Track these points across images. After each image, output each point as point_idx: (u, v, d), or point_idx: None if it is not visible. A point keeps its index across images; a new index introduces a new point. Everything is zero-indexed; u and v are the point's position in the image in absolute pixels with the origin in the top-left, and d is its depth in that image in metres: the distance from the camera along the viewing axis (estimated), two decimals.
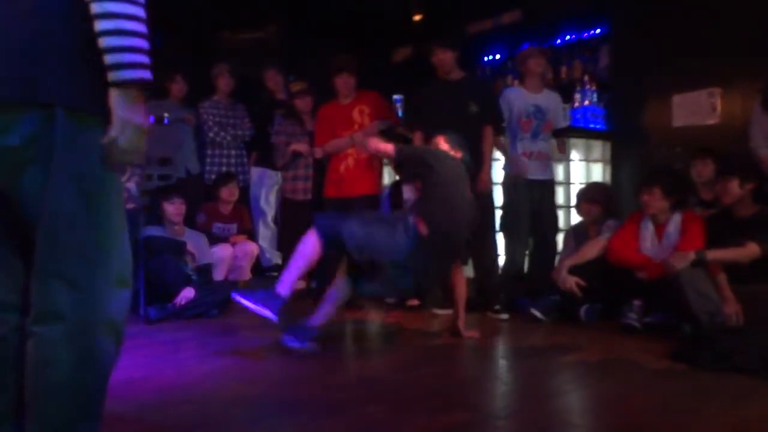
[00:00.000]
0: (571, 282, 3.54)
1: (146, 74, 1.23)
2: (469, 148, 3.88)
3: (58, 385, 1.22)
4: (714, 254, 3.11)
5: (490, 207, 4.05)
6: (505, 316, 3.77)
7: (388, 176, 4.78)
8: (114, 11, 1.19)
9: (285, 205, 4.80)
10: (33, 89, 1.20)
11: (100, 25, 1.19)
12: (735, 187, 3.20)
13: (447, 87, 4.01)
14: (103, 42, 1.20)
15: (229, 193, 4.61)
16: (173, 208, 4.11)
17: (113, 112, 1.23)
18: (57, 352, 1.21)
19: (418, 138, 4.06)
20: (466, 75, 4.18)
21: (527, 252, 4.19)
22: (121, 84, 1.22)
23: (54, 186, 1.20)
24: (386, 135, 4.36)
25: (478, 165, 3.88)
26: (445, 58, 3.96)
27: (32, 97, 1.19)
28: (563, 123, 4.44)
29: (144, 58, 1.23)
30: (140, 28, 1.22)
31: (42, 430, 1.23)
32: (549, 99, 4.22)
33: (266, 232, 5.09)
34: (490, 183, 3.96)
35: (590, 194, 3.98)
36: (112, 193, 1.29)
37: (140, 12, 1.22)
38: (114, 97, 1.23)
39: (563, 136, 4.46)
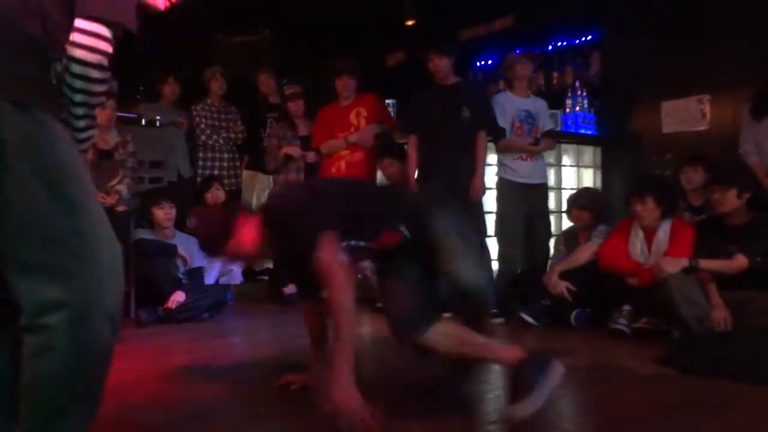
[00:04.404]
0: (562, 287, 3.56)
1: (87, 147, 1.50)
2: (463, 153, 3.91)
3: (58, 373, 1.22)
4: (705, 264, 3.13)
5: (480, 212, 4.06)
6: (500, 320, 3.78)
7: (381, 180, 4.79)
8: (90, 102, 1.39)
9: None
10: None
11: (77, 110, 1.39)
12: (733, 197, 3.20)
13: (441, 92, 4.03)
14: (76, 123, 1.40)
15: (213, 197, 4.59)
16: (162, 213, 4.10)
17: None
18: (58, 340, 1.21)
19: (413, 142, 4.08)
20: (461, 80, 4.20)
21: (521, 257, 4.20)
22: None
23: (15, 180, 1.18)
24: (382, 138, 4.37)
25: (472, 170, 3.90)
26: (440, 63, 3.96)
27: None
28: (550, 125, 4.46)
29: (94, 134, 1.49)
30: (94, 120, 1.46)
31: (40, 417, 1.23)
32: (536, 104, 4.25)
33: None
34: (482, 189, 3.97)
35: (581, 201, 4.00)
36: (80, 181, 1.28)
37: (100, 102, 1.45)
38: None
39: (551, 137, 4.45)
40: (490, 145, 4.12)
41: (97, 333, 1.26)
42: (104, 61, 1.36)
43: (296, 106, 4.69)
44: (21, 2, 1.26)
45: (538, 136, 4.17)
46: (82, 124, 1.41)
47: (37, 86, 1.26)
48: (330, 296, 1.85)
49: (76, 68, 1.34)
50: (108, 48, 1.36)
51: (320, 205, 2.06)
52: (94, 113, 1.44)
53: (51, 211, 1.21)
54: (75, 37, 1.33)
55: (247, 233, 2.12)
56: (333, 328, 1.87)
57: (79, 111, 1.39)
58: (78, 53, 1.33)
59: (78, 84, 1.36)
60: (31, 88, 1.24)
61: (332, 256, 1.88)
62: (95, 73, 1.36)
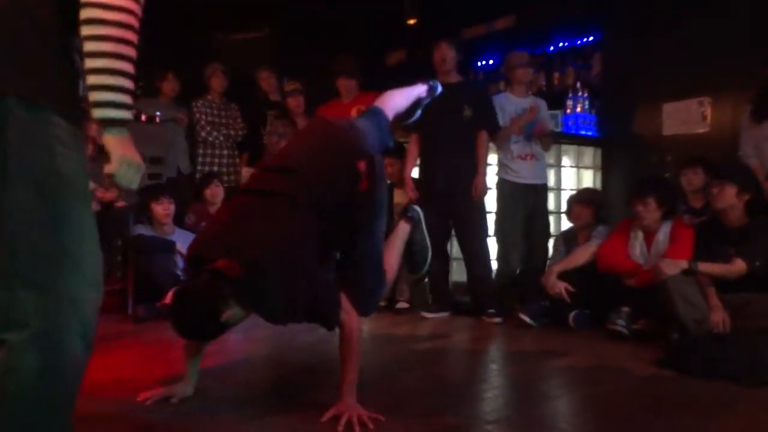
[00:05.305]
0: (561, 288, 3.56)
1: (127, 115, 1.26)
2: (464, 152, 3.90)
3: (22, 393, 1.16)
4: (704, 267, 3.13)
5: (482, 212, 4.06)
6: (499, 320, 3.78)
7: None
8: (106, 50, 1.19)
9: None
10: None
11: (91, 63, 1.20)
12: (731, 194, 3.19)
13: (443, 89, 4.01)
14: (93, 78, 1.20)
15: (212, 194, 4.58)
16: (161, 209, 4.09)
17: (109, 151, 1.26)
18: (22, 359, 1.15)
19: (414, 141, 4.07)
20: (463, 79, 4.21)
21: (520, 257, 4.20)
22: (103, 121, 1.24)
23: (11, 184, 1.13)
24: None
25: (473, 170, 3.90)
26: (448, 53, 3.96)
27: None
28: (550, 124, 4.47)
29: (128, 99, 1.25)
30: (129, 67, 1.23)
31: None
32: (535, 103, 4.25)
33: None
34: (484, 188, 3.97)
35: (583, 196, 4.03)
36: (75, 192, 1.22)
37: (132, 51, 1.22)
38: (107, 136, 1.25)
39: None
40: (491, 145, 4.12)
41: (65, 352, 1.19)
42: (123, 3, 1.19)
43: (296, 102, 4.69)
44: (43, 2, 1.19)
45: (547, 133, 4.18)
46: (101, 96, 1.20)
47: (47, 81, 1.19)
48: (350, 341, 2.05)
49: (84, 12, 1.18)
50: None
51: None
52: (117, 83, 1.21)
53: (37, 220, 1.15)
54: None
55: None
56: (348, 361, 2.05)
57: (95, 80, 1.19)
58: None
59: (88, 12, 1.17)
60: (40, 83, 1.18)
61: (354, 316, 2.07)
62: (107, 14, 1.18)
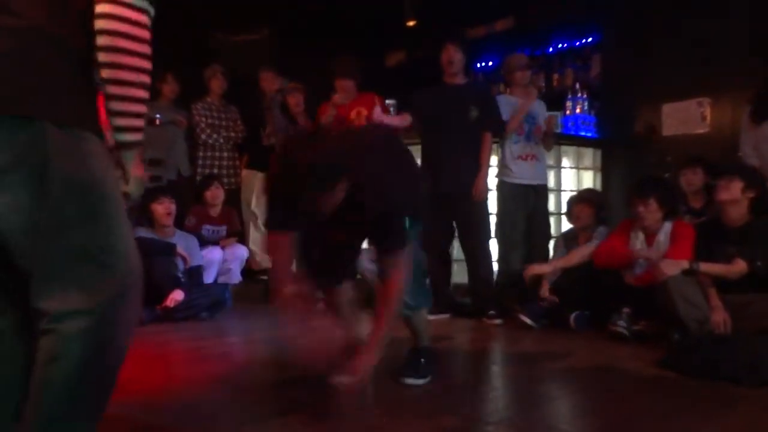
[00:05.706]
0: (544, 289, 3.58)
1: (139, 137, 1.37)
2: (468, 153, 3.90)
3: (66, 381, 1.22)
4: (705, 267, 3.13)
5: (485, 214, 4.05)
6: (499, 321, 3.78)
7: None
8: (127, 79, 1.28)
9: None
10: (18, 104, 1.18)
11: (110, 89, 1.29)
12: (738, 188, 3.18)
13: (450, 90, 4.02)
14: (111, 105, 1.30)
15: (213, 196, 4.58)
16: (162, 208, 4.08)
17: (126, 171, 1.39)
18: (67, 348, 1.22)
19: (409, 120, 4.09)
20: (469, 80, 4.22)
21: (521, 258, 4.20)
22: (119, 144, 1.35)
23: (52, 195, 1.20)
24: None
25: (476, 171, 3.90)
26: (456, 57, 3.96)
27: (19, 111, 1.18)
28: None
29: (140, 122, 1.35)
30: (145, 93, 1.33)
31: (42, 421, 1.22)
32: (535, 104, 4.26)
33: (257, 236, 5.07)
34: (485, 190, 3.97)
35: (583, 194, 4.04)
36: (110, 198, 1.30)
37: (147, 78, 1.31)
38: (124, 157, 1.37)
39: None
40: (493, 146, 4.12)
41: (112, 343, 1.29)
42: (136, 32, 1.26)
43: (295, 100, 4.70)
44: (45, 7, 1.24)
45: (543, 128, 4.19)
46: (118, 122, 1.31)
47: (76, 103, 1.26)
48: (389, 297, 2.14)
49: (100, 39, 1.26)
50: (136, 16, 1.26)
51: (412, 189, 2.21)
52: (133, 110, 1.32)
53: (85, 228, 1.24)
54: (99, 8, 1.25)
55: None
56: (382, 317, 2.17)
57: (113, 106, 1.29)
58: (101, 24, 1.25)
59: (103, 57, 1.26)
60: (71, 106, 1.25)
61: (402, 275, 2.13)
62: (123, 43, 1.26)
